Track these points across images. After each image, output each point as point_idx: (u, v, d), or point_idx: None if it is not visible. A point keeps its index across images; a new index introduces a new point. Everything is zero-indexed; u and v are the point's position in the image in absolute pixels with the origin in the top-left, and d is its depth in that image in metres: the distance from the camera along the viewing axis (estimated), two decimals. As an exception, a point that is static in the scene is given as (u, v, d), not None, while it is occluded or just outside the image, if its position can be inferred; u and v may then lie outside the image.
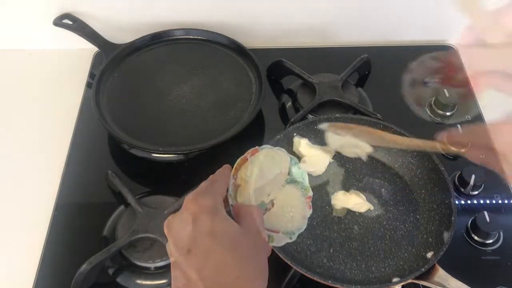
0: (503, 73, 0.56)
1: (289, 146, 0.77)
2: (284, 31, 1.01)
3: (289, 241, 0.57)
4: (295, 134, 0.77)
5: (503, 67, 0.56)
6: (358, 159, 0.78)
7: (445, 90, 0.88)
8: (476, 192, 0.78)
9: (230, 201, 0.55)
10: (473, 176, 0.76)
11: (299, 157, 0.77)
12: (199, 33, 0.97)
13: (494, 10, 0.51)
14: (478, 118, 0.88)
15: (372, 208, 0.73)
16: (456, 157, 0.83)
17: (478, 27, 0.53)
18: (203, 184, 0.53)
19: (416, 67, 0.63)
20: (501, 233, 0.73)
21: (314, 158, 0.76)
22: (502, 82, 0.57)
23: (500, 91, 0.58)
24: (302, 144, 0.77)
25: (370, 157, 0.78)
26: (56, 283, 0.69)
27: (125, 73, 0.91)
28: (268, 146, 0.60)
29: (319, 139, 0.78)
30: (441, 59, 0.63)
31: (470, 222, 0.74)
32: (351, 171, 0.77)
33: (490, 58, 0.55)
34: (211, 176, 0.55)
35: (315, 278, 0.62)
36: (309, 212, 0.60)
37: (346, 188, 0.75)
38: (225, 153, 0.81)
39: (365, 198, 0.74)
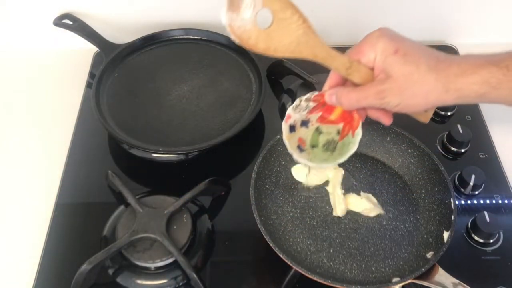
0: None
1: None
2: (284, 31, 1.01)
3: None
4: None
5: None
6: (358, 159, 0.78)
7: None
8: (476, 192, 0.78)
9: None
10: (473, 176, 0.76)
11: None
12: (199, 33, 0.97)
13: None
14: (479, 118, 0.89)
15: (383, 212, 0.73)
16: (456, 157, 0.83)
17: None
18: None
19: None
20: (501, 233, 0.73)
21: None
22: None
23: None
24: None
25: (370, 157, 0.78)
26: (56, 283, 0.69)
27: (125, 73, 0.91)
28: None
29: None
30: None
31: (470, 222, 0.74)
32: (351, 171, 0.77)
33: None
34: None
35: (315, 278, 0.62)
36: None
37: (347, 188, 0.75)
38: (225, 153, 0.82)
39: (376, 202, 0.74)
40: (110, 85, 0.89)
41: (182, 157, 0.82)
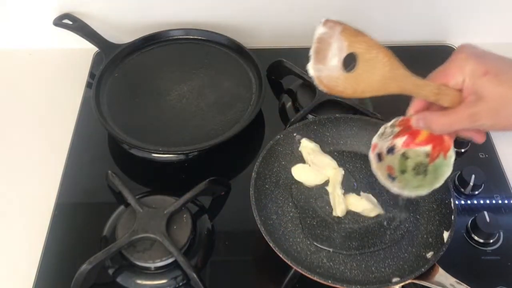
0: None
1: (291, 146, 0.77)
2: (284, 31, 1.01)
3: None
4: (295, 134, 0.77)
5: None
6: (358, 159, 0.78)
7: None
8: (476, 192, 0.78)
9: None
10: (473, 176, 0.76)
11: (303, 160, 0.77)
12: (199, 33, 0.97)
13: None
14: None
15: (383, 213, 0.73)
16: (456, 157, 0.83)
17: None
18: None
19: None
20: (501, 233, 0.73)
21: (319, 165, 0.76)
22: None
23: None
24: (309, 149, 0.77)
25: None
26: (56, 283, 0.69)
27: (125, 73, 0.91)
28: None
29: (319, 139, 0.78)
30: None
31: (470, 222, 0.74)
32: (351, 171, 0.77)
33: None
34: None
35: (315, 278, 0.62)
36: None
37: (347, 188, 0.75)
38: (225, 153, 0.82)
39: (376, 202, 0.74)
40: (110, 85, 0.89)
41: (182, 157, 0.82)
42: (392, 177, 0.65)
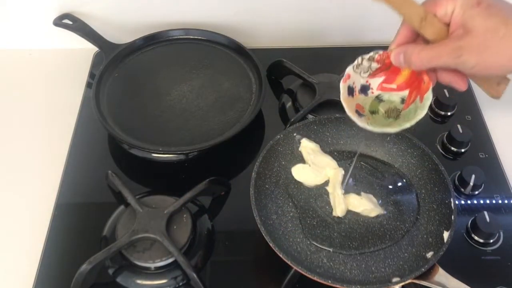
0: None
1: (291, 146, 0.77)
2: (284, 31, 1.01)
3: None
4: (295, 134, 0.77)
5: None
6: (358, 159, 0.78)
7: (445, 90, 0.88)
8: (476, 192, 0.78)
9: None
10: (473, 176, 0.76)
11: (303, 160, 0.77)
12: (199, 33, 0.97)
13: None
14: (479, 118, 0.89)
15: (383, 213, 0.73)
16: (456, 157, 0.83)
17: None
18: None
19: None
20: (501, 233, 0.73)
21: (319, 165, 0.76)
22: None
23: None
24: (309, 149, 0.77)
25: (370, 157, 0.78)
26: (56, 283, 0.69)
27: (125, 73, 0.91)
28: None
29: (319, 139, 0.78)
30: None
31: (470, 222, 0.74)
32: (351, 171, 0.77)
33: None
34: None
35: (315, 278, 0.62)
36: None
37: (347, 188, 0.75)
38: (225, 153, 0.82)
39: (376, 202, 0.74)
40: (110, 85, 0.89)
41: (182, 157, 0.82)
42: (359, 113, 0.61)
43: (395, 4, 0.54)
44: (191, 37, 0.97)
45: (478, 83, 0.58)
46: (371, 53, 0.60)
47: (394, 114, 0.61)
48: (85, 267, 0.64)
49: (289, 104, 0.91)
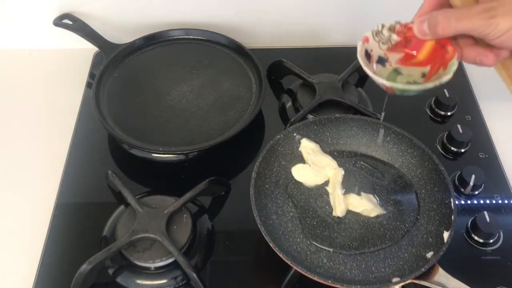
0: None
1: (291, 146, 0.77)
2: (284, 31, 1.01)
3: None
4: (295, 134, 0.77)
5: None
6: (358, 159, 0.78)
7: (445, 90, 0.88)
8: (476, 192, 0.78)
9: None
10: (473, 176, 0.76)
11: (303, 160, 0.77)
12: (199, 33, 0.97)
13: None
14: (479, 118, 0.89)
15: (383, 213, 0.73)
16: (456, 157, 0.83)
17: None
18: None
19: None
20: (501, 233, 0.73)
21: (319, 165, 0.76)
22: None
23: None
24: (309, 149, 0.77)
25: (370, 157, 0.78)
26: (56, 283, 0.69)
27: (125, 73, 0.91)
28: None
29: (319, 139, 0.78)
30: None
31: (470, 222, 0.74)
32: (351, 171, 0.77)
33: None
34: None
35: (315, 278, 0.62)
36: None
37: (347, 188, 0.75)
38: (225, 153, 0.82)
39: (376, 202, 0.74)
40: (110, 85, 0.89)
41: (182, 157, 0.82)
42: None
43: None
44: (191, 37, 0.97)
45: (500, 67, 0.53)
46: (393, 22, 0.56)
47: (413, 83, 0.57)
48: (85, 267, 0.64)
49: (289, 104, 0.91)
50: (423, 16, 0.53)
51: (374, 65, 0.57)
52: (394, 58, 0.57)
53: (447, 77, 0.53)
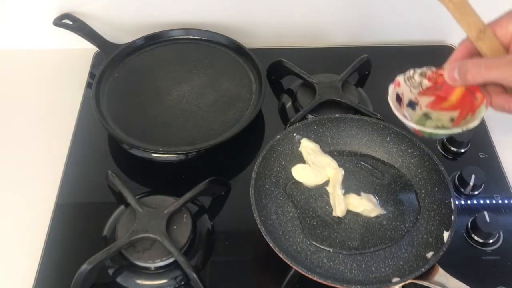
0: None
1: (291, 146, 0.77)
2: (284, 31, 1.01)
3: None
4: (295, 134, 0.77)
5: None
6: (358, 159, 0.78)
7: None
8: (476, 192, 0.78)
9: None
10: (473, 176, 0.76)
11: (303, 160, 0.77)
12: (199, 33, 0.97)
13: None
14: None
15: (383, 213, 0.73)
16: (456, 157, 0.83)
17: None
18: None
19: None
20: (501, 233, 0.73)
21: (319, 165, 0.76)
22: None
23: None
24: (309, 149, 0.77)
25: (370, 157, 0.78)
26: (56, 283, 0.69)
27: (125, 73, 0.91)
28: None
29: (319, 139, 0.78)
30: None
31: (470, 222, 0.74)
32: (351, 171, 0.77)
33: None
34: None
35: (315, 278, 0.62)
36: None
37: (347, 188, 0.75)
38: (225, 153, 0.82)
39: (376, 202, 0.74)
40: (110, 85, 0.89)
41: (182, 157, 0.82)
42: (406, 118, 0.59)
43: (458, 11, 0.54)
44: (191, 37, 0.97)
45: None
46: (424, 68, 0.59)
47: (442, 128, 0.60)
48: (85, 267, 0.64)
49: (289, 104, 0.91)
50: (454, 64, 0.56)
51: (405, 109, 0.59)
52: (424, 102, 0.59)
53: (474, 123, 0.56)
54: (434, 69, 0.59)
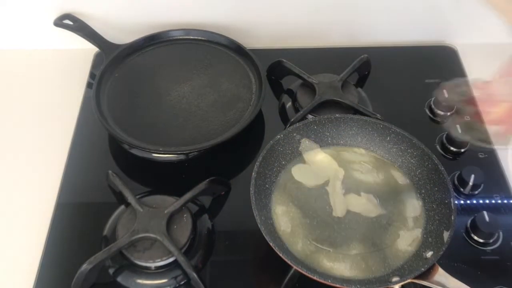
0: None
1: (291, 146, 0.77)
2: (284, 31, 1.01)
3: None
4: (295, 134, 0.77)
5: None
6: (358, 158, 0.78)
7: (444, 90, 0.88)
8: (475, 192, 0.78)
9: None
10: (472, 176, 0.76)
11: (303, 160, 0.77)
12: (199, 33, 0.97)
13: None
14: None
15: (383, 213, 0.73)
16: (455, 157, 0.83)
17: None
18: None
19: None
20: (501, 233, 0.73)
21: (319, 165, 0.77)
22: None
23: None
24: (309, 149, 0.77)
25: (370, 157, 0.78)
26: (57, 283, 0.69)
27: (125, 73, 0.91)
28: None
29: (319, 139, 0.78)
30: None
31: (469, 222, 0.74)
32: (351, 171, 0.77)
33: None
34: None
35: (315, 278, 0.62)
36: None
37: (347, 188, 0.75)
38: (225, 153, 0.82)
39: (376, 202, 0.74)
40: (111, 85, 0.89)
41: (182, 157, 0.82)
42: None
43: (504, 11, 0.54)
44: (191, 37, 0.97)
45: None
46: (473, 78, 0.59)
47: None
48: (85, 267, 0.64)
49: (289, 104, 0.91)
50: (504, 78, 0.55)
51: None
52: (468, 110, 0.60)
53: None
54: (482, 80, 0.58)
